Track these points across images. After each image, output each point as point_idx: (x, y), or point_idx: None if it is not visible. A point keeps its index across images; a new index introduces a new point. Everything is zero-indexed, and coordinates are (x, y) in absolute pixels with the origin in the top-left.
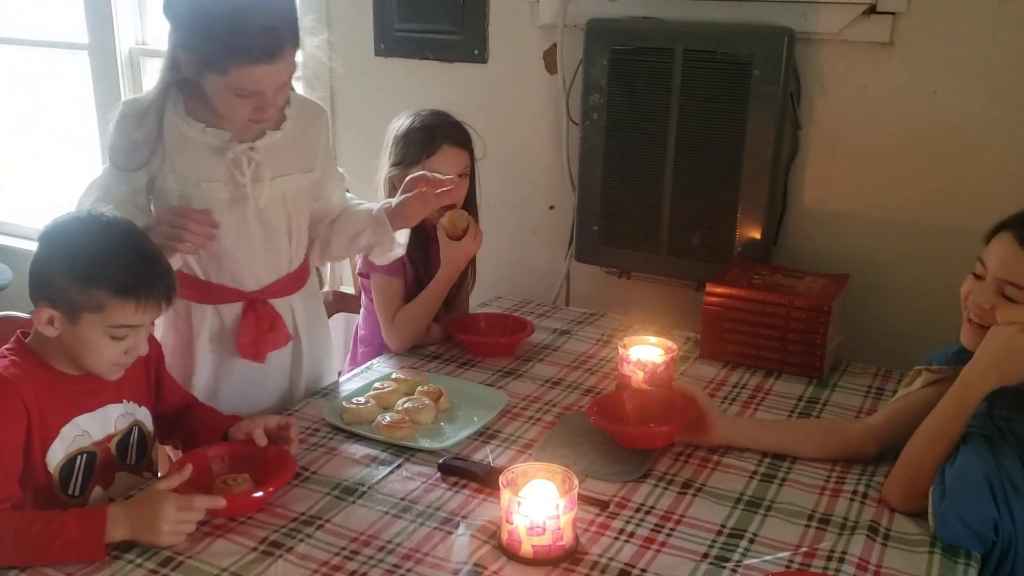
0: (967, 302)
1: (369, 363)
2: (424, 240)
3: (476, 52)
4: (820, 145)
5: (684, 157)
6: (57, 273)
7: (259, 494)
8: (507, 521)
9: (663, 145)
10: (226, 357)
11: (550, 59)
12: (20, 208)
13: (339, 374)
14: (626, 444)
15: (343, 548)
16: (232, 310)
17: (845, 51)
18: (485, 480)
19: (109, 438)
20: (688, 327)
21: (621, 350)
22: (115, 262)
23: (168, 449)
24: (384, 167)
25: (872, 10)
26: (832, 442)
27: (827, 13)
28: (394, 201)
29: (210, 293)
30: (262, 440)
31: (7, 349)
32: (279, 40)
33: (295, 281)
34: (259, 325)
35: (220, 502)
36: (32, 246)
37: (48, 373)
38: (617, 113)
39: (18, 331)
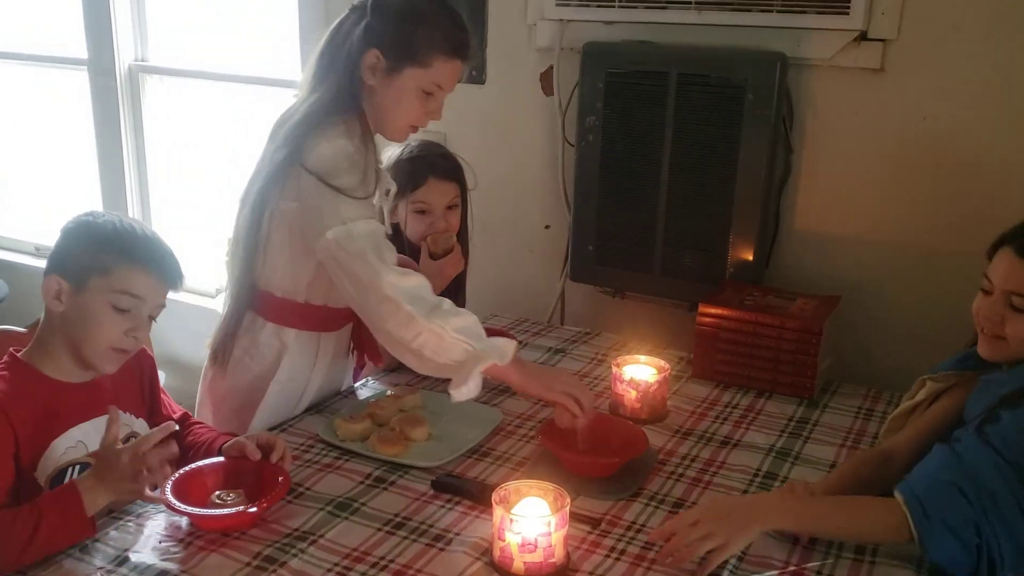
0: (979, 318)
1: (365, 380)
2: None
3: (474, 73)
4: (812, 168)
5: (678, 178)
6: (72, 242)
7: (253, 509)
8: (499, 538)
9: (657, 166)
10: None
11: (546, 81)
12: (17, 223)
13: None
14: (570, 470)
15: (336, 564)
16: (346, 330)
17: (837, 76)
18: (478, 497)
19: None
20: (681, 347)
21: (615, 369)
22: (128, 235)
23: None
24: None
25: (863, 37)
26: (868, 474)
27: (819, 39)
28: None
29: (341, 317)
30: (255, 454)
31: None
32: (471, 41)
33: None
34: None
35: (170, 426)
36: (28, 260)
37: (42, 385)
38: (612, 135)
39: (11, 348)
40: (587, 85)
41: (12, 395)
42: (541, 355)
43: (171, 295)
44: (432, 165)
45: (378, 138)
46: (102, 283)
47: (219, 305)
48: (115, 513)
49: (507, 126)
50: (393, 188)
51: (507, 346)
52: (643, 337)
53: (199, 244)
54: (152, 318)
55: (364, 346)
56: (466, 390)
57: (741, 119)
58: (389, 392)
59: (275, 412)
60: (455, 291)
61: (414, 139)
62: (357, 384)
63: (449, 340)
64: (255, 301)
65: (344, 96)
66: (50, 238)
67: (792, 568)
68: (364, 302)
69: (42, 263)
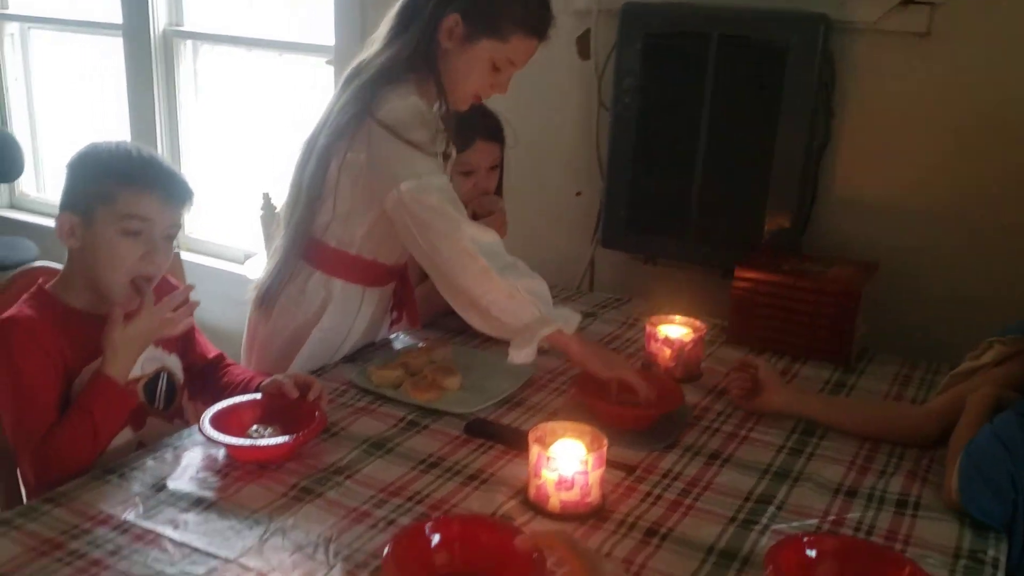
0: None
1: (396, 334)
2: None
3: None
4: (852, 134)
5: (716, 143)
6: (76, 176)
7: (289, 439)
8: (535, 476)
9: (695, 130)
10: (371, 329)
11: (583, 44)
12: (48, 187)
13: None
14: (605, 421)
15: (372, 496)
16: (389, 289)
17: (881, 40)
18: (512, 442)
19: (135, 380)
20: (713, 314)
21: (649, 327)
22: (126, 159)
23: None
24: None
25: (910, 0)
26: (891, 425)
27: (865, 2)
28: None
29: (388, 274)
30: (293, 392)
31: (26, 296)
32: (553, 21)
33: None
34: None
35: (189, 288)
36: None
37: (69, 315)
38: (650, 97)
39: (39, 280)
40: (625, 47)
41: (38, 321)
42: None
43: (200, 259)
44: (479, 126)
45: None
46: (108, 211)
47: (247, 270)
48: (151, 446)
49: (540, 91)
50: (453, 153)
51: (572, 316)
52: (674, 304)
53: (230, 210)
54: (170, 239)
55: (405, 306)
56: (526, 353)
57: (782, 82)
58: (420, 344)
59: (312, 360)
60: None
61: None
62: (391, 336)
63: (519, 300)
64: (308, 250)
65: (419, 55)
66: None
67: (832, 518)
68: (437, 254)
69: None
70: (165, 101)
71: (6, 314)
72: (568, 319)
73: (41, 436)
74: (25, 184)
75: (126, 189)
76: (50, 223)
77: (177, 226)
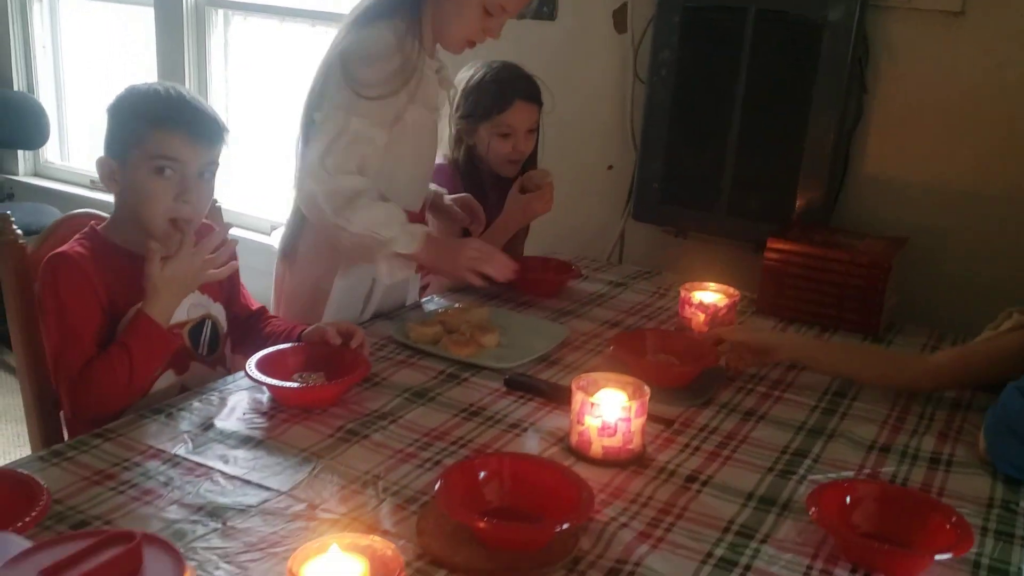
0: None
1: (431, 296)
2: (480, 184)
3: (545, 9)
4: (884, 112)
5: (750, 116)
6: (112, 121)
7: (337, 382)
8: (578, 422)
9: (730, 104)
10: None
11: (620, 18)
12: (75, 156)
13: None
14: (643, 378)
15: (416, 440)
16: None
17: (915, 18)
18: (551, 396)
19: (180, 324)
20: (743, 287)
21: (684, 293)
22: (154, 97)
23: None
24: (450, 117)
25: None
26: (890, 372)
27: None
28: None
29: None
30: (336, 339)
31: (78, 235)
32: None
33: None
34: None
35: (228, 226)
36: (80, 192)
37: (119, 256)
38: (686, 70)
39: (91, 221)
40: (663, 19)
41: (89, 259)
42: (603, 287)
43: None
44: (518, 88)
45: (447, 57)
46: (140, 153)
47: (274, 241)
48: (195, 390)
49: (575, 64)
50: (445, 106)
51: (416, 231)
52: (704, 277)
53: (258, 181)
54: (205, 177)
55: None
56: (385, 275)
57: (818, 59)
58: (457, 305)
59: (341, 311)
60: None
61: (496, 61)
62: (423, 300)
63: (357, 233)
64: None
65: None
66: None
67: (867, 471)
68: (298, 195)
69: (96, 195)
70: (196, 71)
71: (57, 250)
72: (411, 236)
73: (79, 368)
74: (50, 152)
75: (155, 130)
76: (75, 190)
77: (212, 164)
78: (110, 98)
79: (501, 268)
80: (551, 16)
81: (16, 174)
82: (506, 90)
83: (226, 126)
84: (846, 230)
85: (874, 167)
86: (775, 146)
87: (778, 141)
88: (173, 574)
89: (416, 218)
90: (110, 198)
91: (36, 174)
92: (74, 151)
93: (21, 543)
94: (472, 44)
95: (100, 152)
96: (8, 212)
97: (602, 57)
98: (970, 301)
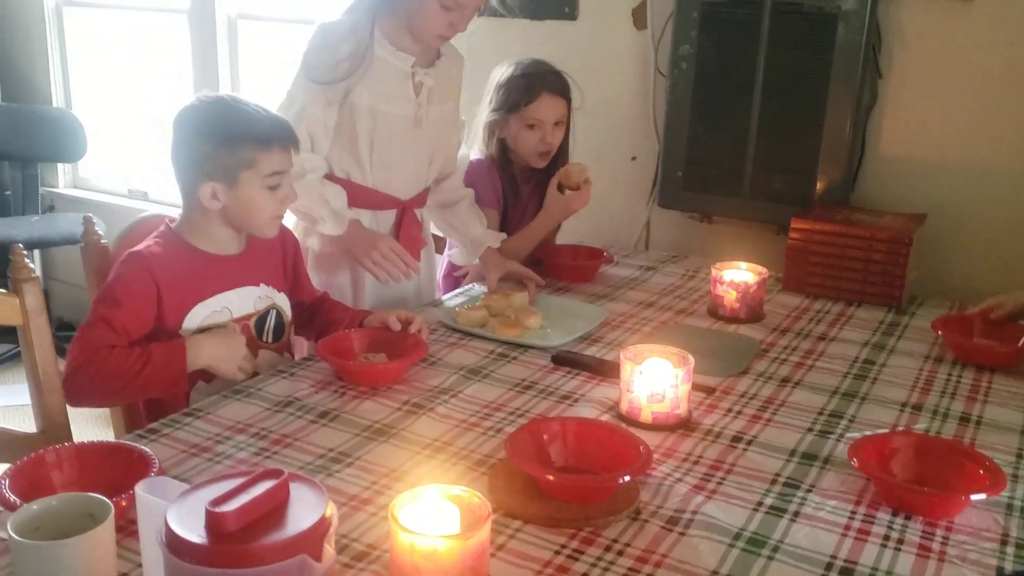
0: None
1: (471, 284)
2: (512, 177)
3: (566, 10)
4: (898, 96)
5: (769, 104)
6: (204, 148)
7: (400, 361)
8: (628, 391)
9: (749, 93)
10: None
11: (639, 15)
12: (110, 165)
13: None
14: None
15: (477, 411)
16: (388, 217)
17: (926, 5)
18: (597, 370)
19: (248, 316)
20: (768, 267)
21: (715, 272)
22: (249, 119)
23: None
24: (484, 112)
25: None
26: None
27: None
28: (490, 264)
29: (372, 199)
30: (396, 325)
31: (155, 233)
32: None
33: (424, 197)
34: (412, 228)
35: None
36: (118, 201)
37: (192, 254)
38: (706, 63)
39: (166, 218)
40: (682, 15)
41: (162, 257)
42: (633, 271)
43: None
44: (545, 81)
45: (477, 56)
46: (252, 174)
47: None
48: (265, 374)
49: (598, 62)
50: (450, 103)
51: (343, 218)
52: (731, 258)
53: None
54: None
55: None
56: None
57: (833, 47)
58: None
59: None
60: None
61: (527, 57)
62: (465, 287)
63: (298, 207)
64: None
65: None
66: (141, 182)
67: (902, 428)
68: None
69: (134, 203)
70: (230, 83)
71: (136, 247)
72: (333, 227)
73: (100, 346)
74: (87, 164)
75: (264, 152)
76: (112, 200)
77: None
78: (181, 116)
79: (396, 272)
80: (572, 16)
81: (56, 186)
82: (534, 83)
83: None
84: (866, 209)
85: (890, 148)
86: (794, 131)
87: (797, 126)
88: (318, 502)
89: (411, 205)
90: (147, 206)
91: (75, 186)
92: (109, 163)
93: (180, 485)
94: (444, 38)
95: (145, 163)
96: (89, 215)
97: (623, 54)
98: (988, 275)
